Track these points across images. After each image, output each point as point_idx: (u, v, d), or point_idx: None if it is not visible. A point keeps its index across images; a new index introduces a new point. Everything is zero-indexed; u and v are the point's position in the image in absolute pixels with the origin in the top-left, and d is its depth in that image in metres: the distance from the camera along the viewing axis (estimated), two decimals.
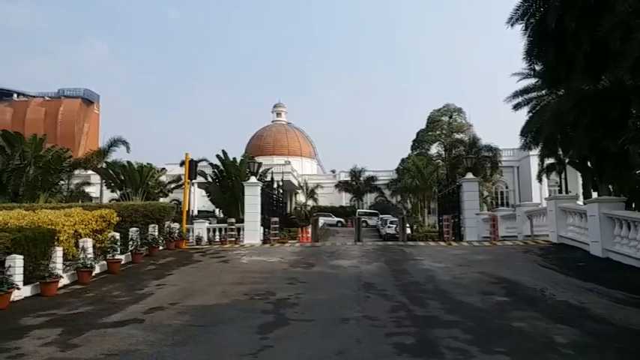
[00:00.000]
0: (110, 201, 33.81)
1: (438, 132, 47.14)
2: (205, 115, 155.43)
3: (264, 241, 21.28)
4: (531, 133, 26.32)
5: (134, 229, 15.20)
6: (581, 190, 32.29)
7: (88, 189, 45.77)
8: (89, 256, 11.95)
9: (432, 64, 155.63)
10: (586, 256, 12.83)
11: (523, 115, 27.67)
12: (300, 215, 47.63)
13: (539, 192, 49.21)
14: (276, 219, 22.18)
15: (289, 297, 9.28)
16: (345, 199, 62.02)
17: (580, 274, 10.94)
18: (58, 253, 11.12)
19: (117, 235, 13.74)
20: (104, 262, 12.99)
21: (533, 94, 27.45)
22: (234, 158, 34.90)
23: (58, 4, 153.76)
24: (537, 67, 16.66)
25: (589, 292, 9.09)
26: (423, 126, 49.62)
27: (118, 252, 13.57)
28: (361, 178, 58.12)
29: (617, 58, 11.71)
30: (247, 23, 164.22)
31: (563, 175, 35.63)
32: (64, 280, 11.06)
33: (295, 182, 53.75)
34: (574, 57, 13.09)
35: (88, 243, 12.32)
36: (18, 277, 9.59)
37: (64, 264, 11.33)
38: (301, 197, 58.69)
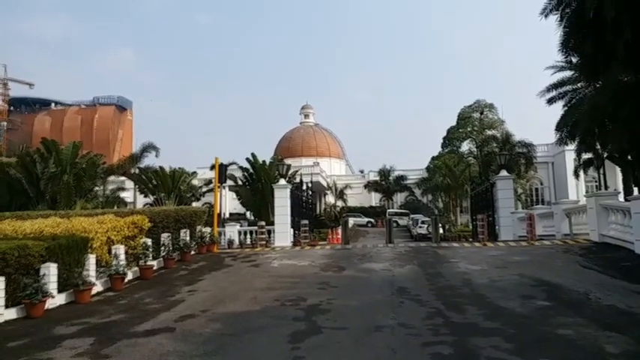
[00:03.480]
0: (144, 205, 34.36)
1: (469, 129, 46.00)
2: (235, 119, 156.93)
3: (295, 243, 21.19)
4: (567, 128, 25.52)
5: (166, 234, 15.29)
6: (621, 186, 31.05)
7: (122, 194, 46.63)
8: (121, 262, 12.05)
9: (463, 61, 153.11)
10: (631, 255, 12.20)
11: (557, 110, 26.96)
12: (329, 216, 47.37)
13: (576, 188, 47.69)
14: (306, 221, 22.06)
15: (321, 303, 9.08)
16: (374, 199, 61.53)
17: (626, 275, 10.38)
18: (91, 260, 11.24)
19: (149, 241, 13.82)
20: (136, 268, 13.09)
21: (568, 88, 26.63)
22: (264, 161, 34.94)
23: (89, 15, 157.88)
24: (574, 59, 16.05)
25: (637, 296, 8.59)
26: (454, 123, 48.63)
27: (150, 258, 13.65)
28: (390, 178, 57.46)
29: None
30: (275, 27, 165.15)
31: (601, 171, 34.29)
32: (98, 287, 11.16)
33: (324, 183, 53.58)
34: (614, 47, 12.51)
35: (121, 249, 12.43)
36: (52, 285, 9.72)
37: (97, 271, 11.44)
38: (330, 198, 58.44)
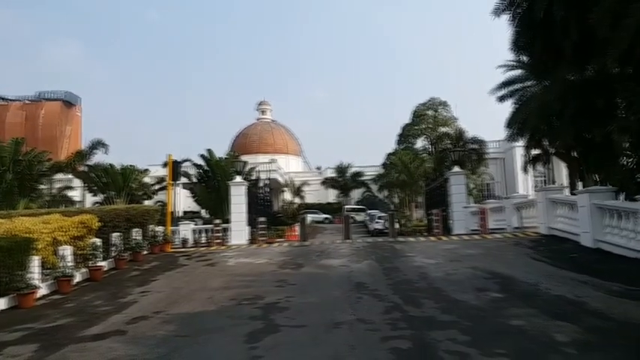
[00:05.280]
0: (94, 204, 33.13)
1: (423, 126, 47.00)
2: (189, 115, 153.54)
3: (252, 241, 20.93)
4: (517, 125, 26.24)
5: (116, 234, 14.75)
6: (566, 181, 32.43)
7: (70, 193, 44.88)
8: (69, 264, 11.51)
9: (416, 59, 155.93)
10: (577, 247, 12.72)
11: (508, 107, 27.61)
12: (287, 213, 47.18)
13: (525, 183, 49.52)
14: (263, 218, 21.84)
15: (279, 301, 8.94)
16: (331, 195, 61.75)
17: (573, 266, 10.78)
18: (35, 262, 10.66)
19: (98, 242, 13.26)
20: (85, 269, 12.54)
21: (519, 86, 27.34)
22: (220, 157, 34.38)
23: (30, 7, 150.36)
24: (524, 58, 16.53)
25: (584, 285, 8.91)
26: (409, 120, 49.51)
27: (100, 258, 13.11)
28: (347, 174, 57.86)
29: (606, 47, 11.58)
30: (231, 22, 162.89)
31: (548, 166, 35.73)
32: (43, 291, 10.62)
33: (281, 180, 53.33)
34: (561, 47, 12.95)
35: (68, 250, 11.86)
36: None
37: (42, 273, 10.88)
38: (288, 195, 58.27)
